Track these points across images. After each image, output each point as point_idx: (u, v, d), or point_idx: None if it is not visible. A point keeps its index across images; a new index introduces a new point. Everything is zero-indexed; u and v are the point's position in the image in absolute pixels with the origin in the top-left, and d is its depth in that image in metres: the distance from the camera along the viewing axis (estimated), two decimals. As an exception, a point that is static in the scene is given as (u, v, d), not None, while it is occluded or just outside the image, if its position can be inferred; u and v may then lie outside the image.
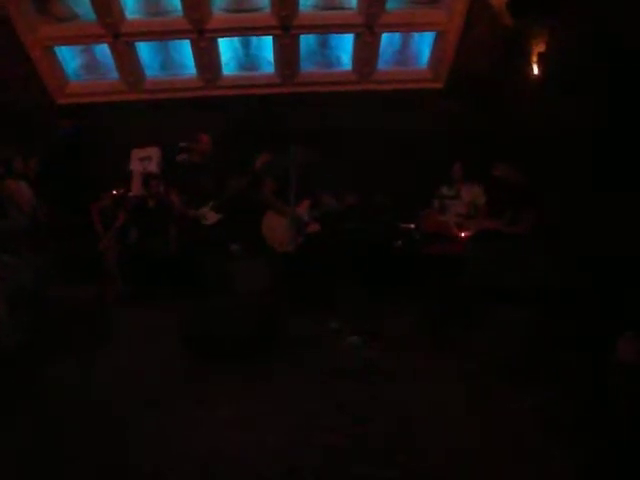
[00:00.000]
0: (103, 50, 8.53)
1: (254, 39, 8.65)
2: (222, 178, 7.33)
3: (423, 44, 8.72)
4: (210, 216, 7.26)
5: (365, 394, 4.52)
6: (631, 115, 5.31)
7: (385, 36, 8.38)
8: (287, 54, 8.41)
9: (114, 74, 8.74)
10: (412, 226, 7.49)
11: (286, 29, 7.99)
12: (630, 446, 3.47)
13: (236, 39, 8.62)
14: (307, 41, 8.55)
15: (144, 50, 8.62)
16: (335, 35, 8.61)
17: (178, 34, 8.25)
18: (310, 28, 8.23)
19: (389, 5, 7.91)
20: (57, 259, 7.02)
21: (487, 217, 6.82)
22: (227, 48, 8.66)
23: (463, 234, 6.75)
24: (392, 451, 3.67)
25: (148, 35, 8.30)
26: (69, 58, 8.71)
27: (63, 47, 8.49)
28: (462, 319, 5.74)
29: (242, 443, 3.76)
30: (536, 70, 7.07)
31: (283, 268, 6.49)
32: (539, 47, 7.01)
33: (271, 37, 8.30)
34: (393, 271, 7.32)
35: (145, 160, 8.69)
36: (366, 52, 8.41)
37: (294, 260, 6.28)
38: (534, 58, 7.08)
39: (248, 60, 8.89)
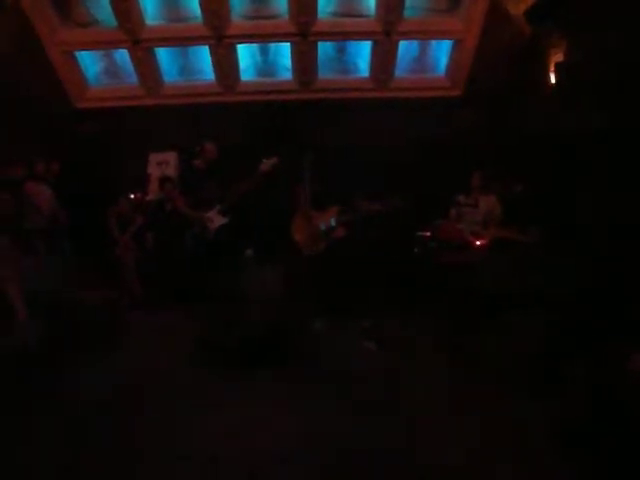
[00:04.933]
0: (123, 55, 8.64)
1: (272, 46, 8.71)
2: (228, 183, 7.39)
3: (441, 52, 8.74)
4: (217, 219, 7.31)
5: (379, 399, 4.53)
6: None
7: (403, 43, 8.40)
8: (305, 61, 8.46)
9: (133, 79, 8.85)
10: (428, 234, 7.49)
11: (304, 36, 8.04)
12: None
13: (254, 45, 8.68)
14: (325, 48, 8.59)
15: (163, 56, 8.72)
16: (353, 42, 8.65)
17: (197, 40, 8.32)
18: (328, 35, 8.27)
19: (407, 13, 7.93)
20: (75, 261, 7.11)
21: (501, 226, 6.81)
22: (245, 54, 8.73)
23: (478, 242, 6.74)
24: (405, 455, 3.67)
25: (167, 41, 8.39)
26: (89, 63, 8.83)
27: (84, 52, 8.60)
28: (476, 326, 5.74)
29: (255, 446, 3.78)
30: (553, 79, 7.05)
31: (302, 273, 6.54)
32: (557, 56, 7.00)
33: (289, 44, 8.36)
34: (409, 278, 7.34)
35: (162, 164, 8.78)
36: (384, 59, 8.44)
37: (316, 265, 6.33)
38: (551, 67, 7.06)
39: (266, 66, 8.96)
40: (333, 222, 6.50)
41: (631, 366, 4.21)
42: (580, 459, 3.55)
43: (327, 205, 6.34)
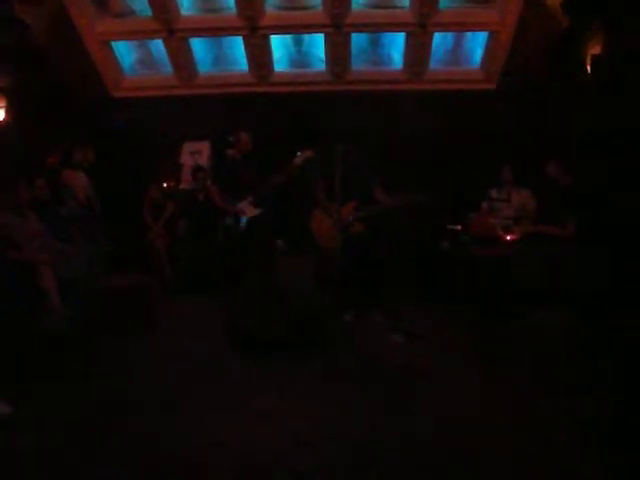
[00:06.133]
0: (158, 45, 8.72)
1: (306, 37, 8.71)
2: (262, 174, 7.42)
3: (476, 44, 8.65)
4: (249, 210, 7.36)
5: (404, 393, 4.53)
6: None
7: (437, 35, 8.32)
8: (338, 52, 8.44)
9: (168, 69, 8.92)
10: (459, 227, 7.45)
11: (338, 27, 8.02)
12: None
13: (288, 36, 8.69)
14: (359, 39, 8.55)
15: (198, 46, 8.77)
16: (387, 34, 8.61)
17: (231, 31, 8.35)
18: (362, 26, 8.23)
19: (442, 4, 7.87)
20: (109, 248, 7.22)
21: (535, 221, 6.74)
22: (279, 45, 8.74)
23: (509, 237, 6.68)
24: (428, 450, 3.66)
25: (202, 31, 8.44)
26: (125, 53, 8.94)
27: (119, 42, 8.72)
28: (505, 321, 5.71)
29: (277, 436, 3.79)
30: (590, 72, 6.94)
31: (327, 266, 6.55)
32: (594, 49, 6.88)
33: (323, 35, 8.34)
34: (439, 272, 7.32)
35: (196, 154, 8.85)
36: (418, 51, 8.38)
37: (337, 259, 6.33)
38: (588, 59, 6.95)
39: (300, 57, 8.97)
40: (351, 217, 6.49)
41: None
42: (611, 459, 3.51)
43: (347, 199, 6.32)
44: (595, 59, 6.87)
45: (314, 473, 3.39)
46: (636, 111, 6.00)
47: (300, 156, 7.14)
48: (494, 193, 7.14)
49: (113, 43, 8.64)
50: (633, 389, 4.19)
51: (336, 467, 3.46)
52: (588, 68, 6.98)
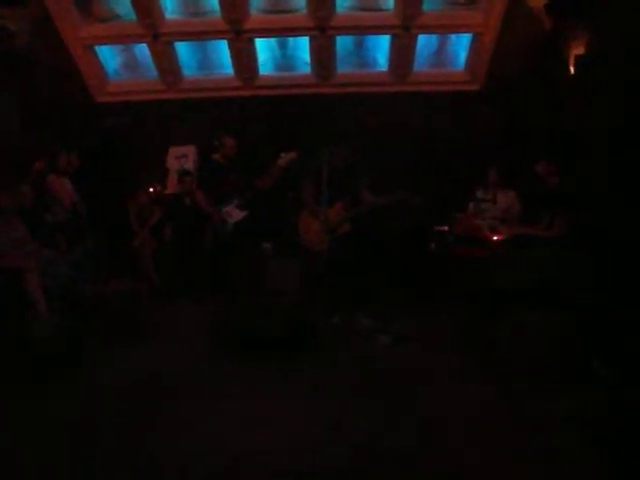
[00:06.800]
0: (142, 50, 8.69)
1: (291, 40, 8.71)
2: (247, 177, 7.42)
3: (460, 46, 8.68)
4: (235, 214, 7.34)
5: (395, 394, 4.54)
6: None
7: (422, 37, 8.36)
8: (323, 55, 8.45)
9: (153, 73, 8.90)
10: (445, 228, 7.47)
11: (322, 30, 8.03)
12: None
13: (273, 40, 8.69)
14: (343, 42, 8.57)
15: (182, 50, 8.76)
16: (371, 36, 8.63)
17: (216, 34, 8.35)
18: (347, 29, 8.25)
19: (426, 6, 7.89)
20: (95, 254, 7.18)
21: (522, 222, 6.77)
22: (264, 48, 8.73)
23: (495, 237, 6.70)
24: (423, 452, 3.67)
25: (187, 35, 8.43)
26: (109, 57, 8.90)
27: (104, 46, 8.68)
28: (491, 321, 5.72)
29: (267, 441, 3.78)
30: (573, 73, 6.99)
31: (314, 268, 6.56)
32: (577, 49, 6.93)
33: (308, 38, 8.35)
34: (425, 272, 7.34)
35: (182, 158, 8.82)
36: (402, 53, 8.41)
37: (326, 260, 6.34)
38: (572, 60, 7.00)
39: (285, 60, 8.96)
40: (339, 218, 6.50)
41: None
42: (598, 457, 3.53)
43: (334, 201, 6.33)
44: (579, 60, 6.92)
45: (308, 476, 3.38)
46: (620, 111, 6.05)
47: (284, 157, 7.13)
48: (480, 194, 7.15)
49: (97, 48, 8.59)
50: (620, 387, 4.23)
51: (330, 470, 3.45)
52: (572, 69, 7.03)
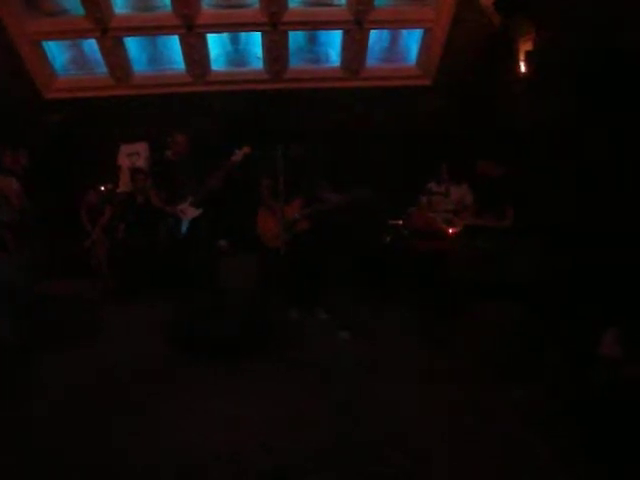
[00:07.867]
0: (91, 45, 8.49)
1: (243, 35, 8.64)
2: (200, 174, 7.33)
3: (411, 41, 8.74)
4: (189, 212, 7.25)
5: (353, 391, 4.56)
6: (614, 113, 5.38)
7: (373, 33, 8.39)
8: (276, 50, 8.41)
9: (102, 69, 8.71)
10: (400, 222, 7.54)
11: (274, 25, 7.98)
12: (610, 437, 3.54)
13: (225, 35, 8.61)
14: (296, 37, 8.55)
15: (132, 45, 8.60)
16: (324, 31, 8.62)
17: (167, 29, 8.21)
18: (299, 24, 8.22)
19: (377, 2, 7.91)
20: (45, 255, 7.03)
21: (474, 214, 6.87)
22: (216, 44, 8.64)
23: (451, 230, 6.79)
24: (380, 449, 3.69)
25: (136, 30, 8.27)
26: (57, 53, 8.67)
27: (51, 42, 8.45)
28: (449, 315, 5.80)
29: (228, 441, 3.77)
30: (523, 68, 7.12)
31: (272, 265, 6.56)
32: (526, 45, 7.05)
33: (260, 33, 8.30)
34: (381, 267, 7.39)
35: (133, 156, 8.69)
36: (354, 48, 8.42)
37: (283, 257, 6.34)
38: (521, 56, 7.12)
39: (237, 56, 8.89)
40: (297, 215, 6.51)
41: (603, 350, 4.30)
42: (554, 441, 3.62)
43: (292, 197, 6.34)
44: (528, 55, 7.05)
45: (270, 475, 3.39)
46: (569, 107, 6.18)
47: (238, 153, 7.06)
48: (433, 186, 7.23)
49: (44, 43, 8.36)
50: (577, 376, 4.33)
51: (293, 468, 3.46)
52: (522, 65, 7.15)
